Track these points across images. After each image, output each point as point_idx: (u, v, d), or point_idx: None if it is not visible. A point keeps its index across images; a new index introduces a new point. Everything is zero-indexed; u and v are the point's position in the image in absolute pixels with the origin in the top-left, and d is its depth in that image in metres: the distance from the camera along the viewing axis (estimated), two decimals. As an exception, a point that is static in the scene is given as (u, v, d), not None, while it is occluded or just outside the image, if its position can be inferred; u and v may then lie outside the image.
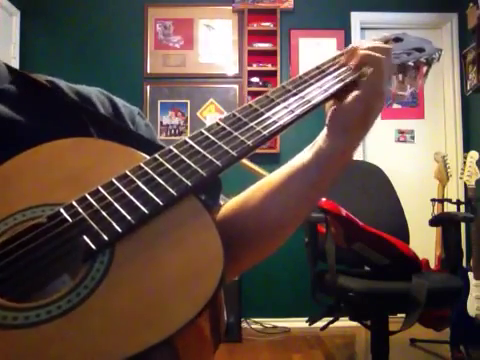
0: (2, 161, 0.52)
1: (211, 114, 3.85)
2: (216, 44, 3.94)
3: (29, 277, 0.44)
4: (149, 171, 0.50)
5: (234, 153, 0.52)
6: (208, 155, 0.51)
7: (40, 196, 0.50)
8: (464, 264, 2.74)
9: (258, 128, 0.54)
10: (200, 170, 0.50)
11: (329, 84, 0.60)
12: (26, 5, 3.73)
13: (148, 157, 0.52)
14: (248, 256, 0.62)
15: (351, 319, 2.54)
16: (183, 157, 0.51)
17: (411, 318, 1.98)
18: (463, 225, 2.65)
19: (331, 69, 0.63)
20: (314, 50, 3.88)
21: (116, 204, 0.47)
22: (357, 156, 3.58)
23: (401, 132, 3.97)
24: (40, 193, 0.50)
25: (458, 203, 3.13)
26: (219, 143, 0.52)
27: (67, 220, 0.46)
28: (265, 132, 0.54)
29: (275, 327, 3.54)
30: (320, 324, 2.55)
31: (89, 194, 0.48)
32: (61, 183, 0.51)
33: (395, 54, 0.67)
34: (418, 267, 2.16)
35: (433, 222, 2.64)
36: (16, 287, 0.44)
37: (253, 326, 3.54)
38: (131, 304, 0.41)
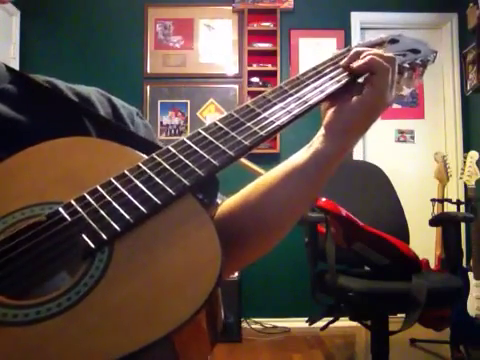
0: (2, 159, 0.53)
1: (211, 114, 3.86)
2: (216, 44, 3.95)
3: (28, 275, 0.45)
4: (147, 171, 0.50)
5: (231, 153, 0.52)
6: (206, 155, 0.52)
7: (38, 194, 0.50)
8: (464, 264, 2.74)
9: (255, 128, 0.55)
10: (198, 170, 0.50)
11: (325, 85, 0.62)
12: (26, 5, 3.73)
13: (146, 157, 0.52)
14: (246, 254, 0.63)
15: (351, 319, 2.54)
16: (181, 157, 0.52)
17: (411, 318, 1.98)
18: (463, 225, 2.65)
19: (327, 70, 0.64)
20: (314, 50, 3.88)
21: (115, 203, 0.47)
22: (357, 156, 3.59)
23: (401, 132, 3.97)
24: (38, 191, 0.50)
25: (458, 203, 3.13)
26: (216, 143, 0.53)
27: (66, 219, 0.47)
28: (262, 132, 0.55)
29: (275, 327, 3.54)
30: (320, 324, 2.55)
31: (88, 193, 0.48)
32: (59, 182, 0.51)
33: None
34: (418, 267, 2.16)
35: (433, 222, 2.64)
36: (15, 284, 0.44)
37: (253, 326, 3.54)
38: (129, 302, 0.41)
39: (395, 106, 3.95)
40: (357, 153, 3.62)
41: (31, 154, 0.54)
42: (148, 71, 3.91)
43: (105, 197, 0.48)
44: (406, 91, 0.70)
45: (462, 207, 3.19)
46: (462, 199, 3.32)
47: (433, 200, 3.04)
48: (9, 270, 0.44)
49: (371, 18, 3.91)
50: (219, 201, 0.63)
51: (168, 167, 0.51)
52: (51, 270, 0.45)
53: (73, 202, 0.48)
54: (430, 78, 3.84)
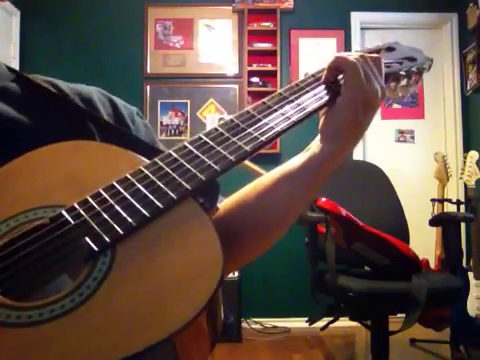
0: (5, 161, 0.53)
1: (211, 114, 3.86)
2: (216, 44, 3.95)
3: (31, 277, 0.45)
4: (149, 174, 0.51)
5: (232, 158, 0.53)
6: (207, 160, 0.53)
7: (41, 198, 0.50)
8: (464, 264, 2.74)
9: (255, 134, 0.56)
10: (199, 174, 0.51)
11: (323, 93, 0.63)
12: (26, 5, 3.73)
13: (148, 161, 0.53)
14: (245, 253, 0.64)
15: (351, 319, 2.55)
16: (182, 161, 0.52)
17: (411, 318, 1.98)
18: (463, 225, 2.66)
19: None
20: (314, 50, 3.88)
21: (117, 207, 0.48)
22: (357, 156, 3.59)
23: (401, 132, 3.97)
24: (41, 195, 0.51)
25: (458, 203, 3.13)
26: (218, 148, 0.54)
27: (69, 222, 0.47)
28: (262, 138, 0.56)
29: (275, 327, 3.54)
30: (320, 324, 2.55)
31: (91, 196, 0.49)
32: (62, 185, 0.52)
33: (387, 63, 0.69)
34: (418, 267, 2.17)
35: (433, 222, 2.64)
36: (18, 286, 0.44)
37: (253, 326, 3.54)
38: (132, 304, 0.42)
39: (395, 106, 3.96)
40: (357, 153, 3.62)
41: (34, 157, 0.54)
42: (148, 71, 3.91)
43: (108, 200, 0.48)
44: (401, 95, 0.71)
45: (462, 207, 3.19)
46: (462, 199, 3.32)
47: (433, 200, 3.04)
48: (12, 272, 0.45)
49: (371, 18, 3.91)
50: (219, 206, 0.64)
51: (170, 171, 0.51)
52: (53, 273, 0.46)
53: (76, 205, 0.48)
54: (430, 78, 3.84)
